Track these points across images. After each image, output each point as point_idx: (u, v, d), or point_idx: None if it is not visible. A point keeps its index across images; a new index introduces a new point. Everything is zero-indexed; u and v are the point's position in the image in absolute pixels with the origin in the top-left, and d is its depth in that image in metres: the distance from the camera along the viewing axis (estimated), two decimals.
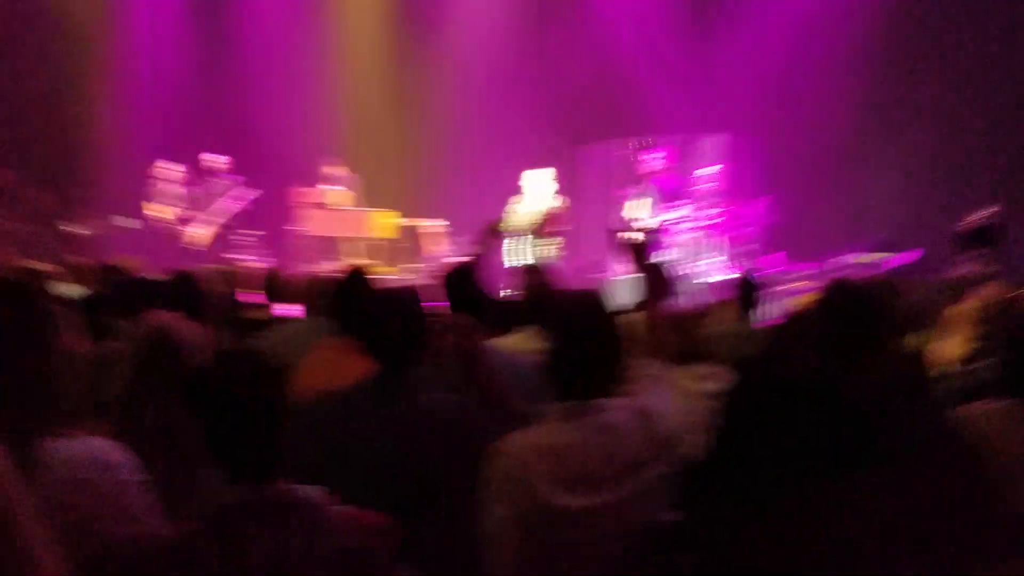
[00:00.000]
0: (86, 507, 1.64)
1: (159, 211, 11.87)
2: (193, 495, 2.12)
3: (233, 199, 11.67)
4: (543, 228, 9.69)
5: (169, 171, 11.90)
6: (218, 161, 11.62)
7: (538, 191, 9.82)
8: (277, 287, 5.00)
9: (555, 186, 9.85)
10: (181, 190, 11.84)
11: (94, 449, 1.69)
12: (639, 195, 10.19)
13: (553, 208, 9.75)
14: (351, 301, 3.17)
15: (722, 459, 1.81)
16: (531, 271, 4.87)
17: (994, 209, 8.85)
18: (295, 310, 4.88)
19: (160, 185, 11.89)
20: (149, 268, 7.20)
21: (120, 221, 13.80)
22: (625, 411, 2.29)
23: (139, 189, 13.38)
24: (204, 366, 1.84)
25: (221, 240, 11.71)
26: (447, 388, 2.54)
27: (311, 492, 1.72)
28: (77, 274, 6.71)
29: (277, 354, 3.60)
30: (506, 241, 9.84)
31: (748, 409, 1.79)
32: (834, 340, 2.30)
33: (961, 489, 2.21)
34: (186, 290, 3.27)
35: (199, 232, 11.55)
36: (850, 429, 1.74)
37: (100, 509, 1.66)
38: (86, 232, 13.50)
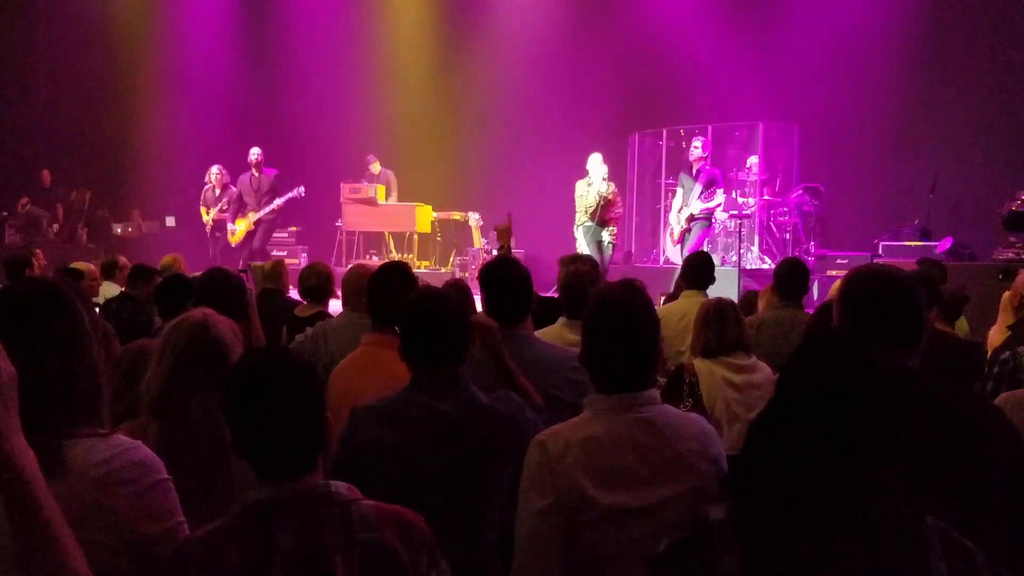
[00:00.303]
0: (118, 507, 1.66)
1: (211, 213, 11.95)
2: (233, 489, 2.14)
3: (279, 196, 11.66)
4: (604, 213, 9.55)
5: (221, 175, 11.98)
6: (257, 156, 11.63)
7: (598, 174, 9.63)
8: (319, 283, 4.99)
9: (606, 170, 9.68)
10: (232, 191, 11.91)
11: (125, 449, 1.70)
12: (686, 183, 10.13)
13: (609, 193, 9.60)
14: (389, 297, 3.18)
15: (766, 452, 1.78)
16: (571, 261, 4.86)
17: None
18: (337, 306, 4.92)
19: (213, 187, 11.98)
20: (193, 267, 7.31)
21: (167, 221, 14.07)
22: (668, 410, 2.26)
23: (184, 190, 13.62)
24: (236, 363, 1.84)
25: (265, 236, 11.77)
26: (478, 386, 2.54)
27: (341, 488, 1.71)
28: (116, 273, 6.81)
29: (317, 351, 3.69)
30: (579, 230, 9.73)
31: (793, 400, 1.76)
32: (855, 327, 2.24)
33: (1008, 475, 2.18)
34: (222, 286, 3.28)
35: (241, 229, 11.60)
36: (897, 417, 1.71)
37: (132, 509, 1.67)
38: (129, 231, 13.76)
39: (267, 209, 11.56)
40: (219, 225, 11.91)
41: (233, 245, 11.58)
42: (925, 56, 11.37)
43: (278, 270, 5.82)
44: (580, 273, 4.11)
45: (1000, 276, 7.52)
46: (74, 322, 1.73)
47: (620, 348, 2.21)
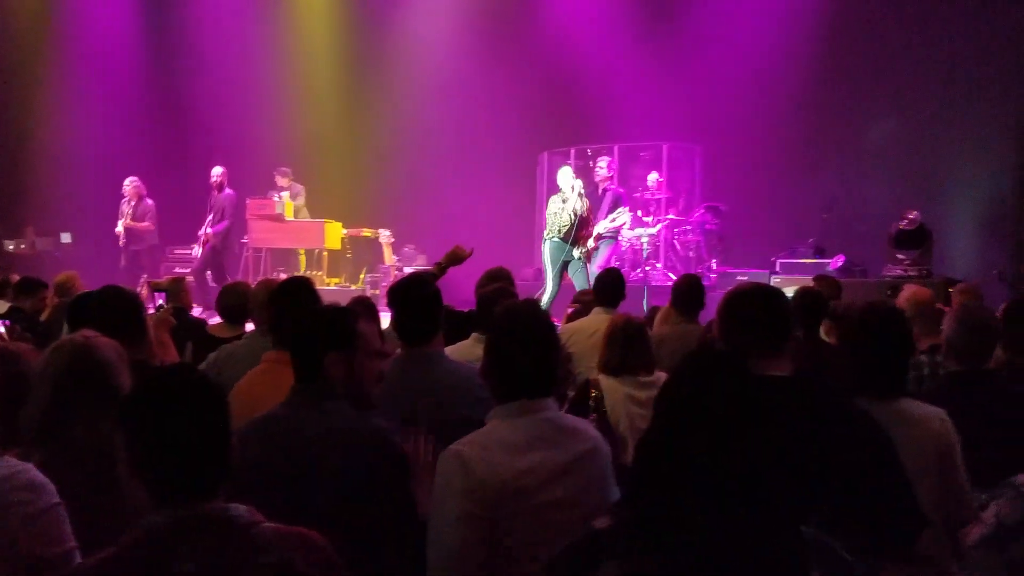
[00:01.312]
0: (10, 528, 1.62)
1: (125, 225, 11.77)
2: (120, 515, 2.09)
3: (227, 218, 11.57)
4: (577, 232, 9.13)
5: (132, 186, 11.77)
6: (218, 176, 11.53)
7: (572, 190, 9.20)
8: (239, 303, 4.83)
9: (580, 184, 9.25)
10: (147, 203, 11.79)
11: (16, 471, 1.66)
12: (593, 202, 10.22)
13: (584, 210, 9.21)
14: (289, 314, 3.16)
15: (650, 464, 1.84)
16: (490, 278, 4.90)
17: (915, 213, 9.23)
18: (243, 323, 4.86)
19: (128, 199, 11.79)
20: (90, 284, 7.10)
21: (62, 238, 13.65)
22: (564, 415, 2.41)
23: (80, 205, 13.26)
24: (137, 382, 1.81)
25: (208, 258, 11.55)
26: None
27: (241, 511, 1.70)
28: (7, 292, 6.60)
29: (220, 370, 3.64)
30: (546, 244, 9.31)
31: (675, 410, 1.82)
32: (729, 337, 2.43)
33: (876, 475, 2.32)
34: (113, 305, 3.20)
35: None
36: (770, 425, 1.79)
37: (25, 531, 1.63)
38: (22, 248, 13.31)
39: (208, 230, 11.50)
40: (133, 237, 11.75)
41: (140, 260, 11.65)
42: (822, 81, 11.78)
43: (178, 287, 5.70)
44: (494, 292, 4.16)
45: (888, 292, 7.87)
46: None
47: (522, 357, 2.32)
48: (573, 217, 9.03)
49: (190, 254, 13.03)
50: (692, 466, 1.69)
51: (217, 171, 11.50)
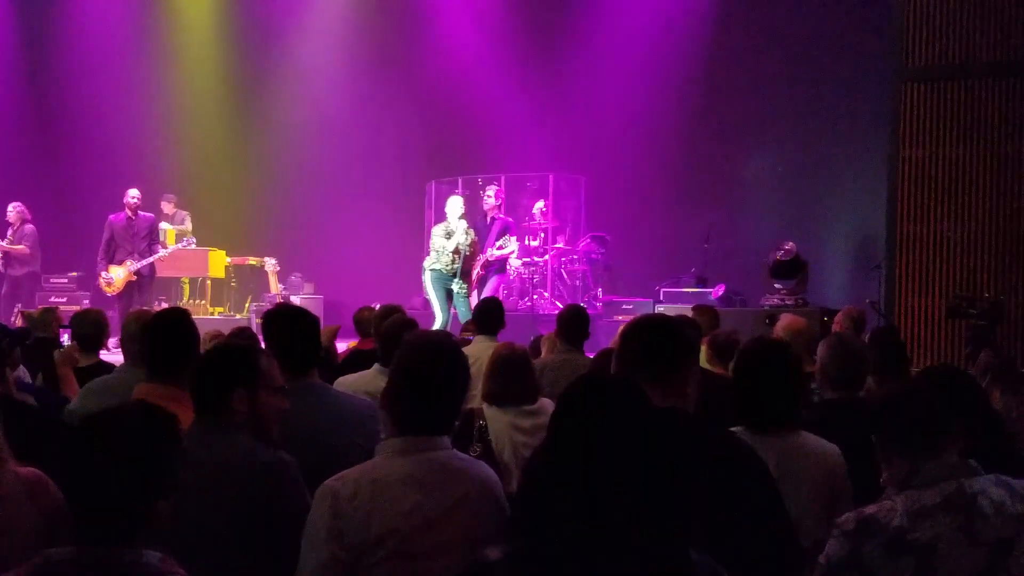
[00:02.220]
0: None
1: (2, 248, 11.32)
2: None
3: (159, 243, 10.97)
4: (463, 265, 9.18)
5: (18, 212, 11.34)
6: (135, 199, 10.69)
7: (459, 223, 9.24)
8: (93, 331, 4.74)
9: (465, 224, 9.32)
10: (26, 228, 11.35)
11: None
12: (480, 231, 10.30)
13: (468, 244, 9.24)
14: (167, 346, 3.08)
15: (538, 491, 1.85)
16: (387, 313, 4.88)
17: (791, 244, 9.59)
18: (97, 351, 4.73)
19: (11, 225, 11.34)
20: None
21: None
22: (456, 455, 2.30)
23: None
24: (86, 417, 1.75)
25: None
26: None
27: (152, 558, 1.65)
28: None
29: (93, 402, 3.51)
30: (428, 273, 9.29)
31: (560, 438, 1.83)
32: (632, 367, 2.42)
33: (757, 504, 2.37)
34: None
35: (120, 277, 10.62)
36: (661, 453, 1.81)
37: None
38: None
39: (149, 259, 10.63)
40: (9, 261, 11.36)
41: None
42: (701, 113, 12.13)
43: (48, 318, 5.49)
44: (397, 323, 4.15)
45: (767, 320, 8.15)
46: None
47: (418, 390, 2.24)
48: (457, 254, 9.07)
49: (66, 283, 12.55)
50: (578, 495, 1.69)
51: (134, 194, 10.64)
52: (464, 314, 8.65)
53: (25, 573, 1.60)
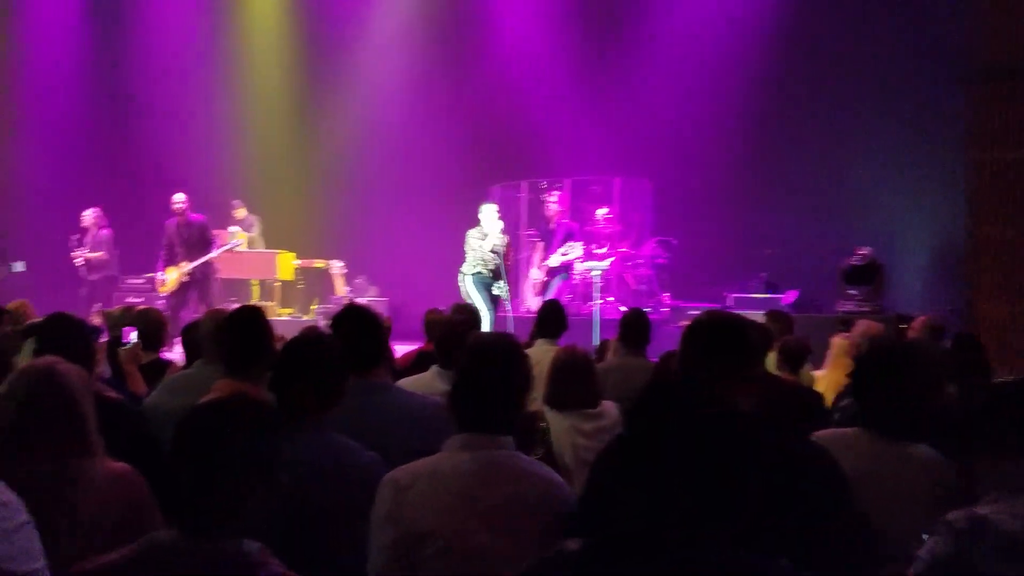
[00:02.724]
0: None
1: (85, 256, 11.67)
2: (75, 542, 2.06)
3: (212, 244, 11.13)
4: (497, 265, 9.37)
5: (91, 216, 11.68)
6: (181, 203, 10.96)
7: (494, 227, 9.42)
8: (150, 330, 4.79)
9: (495, 226, 9.47)
10: (103, 233, 11.70)
11: None
12: (545, 236, 10.34)
13: (503, 246, 9.44)
14: (243, 343, 3.14)
15: (612, 488, 1.84)
16: (454, 312, 4.93)
17: (867, 250, 9.37)
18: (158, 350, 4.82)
19: (87, 230, 11.69)
20: (44, 313, 6.97)
21: (13, 267, 13.40)
22: (518, 456, 2.31)
23: (33, 235, 13.07)
24: (190, 412, 1.80)
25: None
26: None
27: (252, 548, 1.69)
28: None
29: (171, 398, 3.60)
30: (468, 279, 9.43)
31: (638, 441, 1.82)
32: (698, 369, 2.38)
33: (834, 507, 2.33)
34: (64, 332, 3.17)
35: (173, 278, 10.94)
36: (734, 458, 1.80)
37: (1, 547, 1.62)
38: None
39: (200, 260, 10.93)
40: (93, 267, 11.69)
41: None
42: (774, 116, 11.94)
43: (127, 316, 5.63)
44: (456, 323, 4.17)
45: (841, 327, 7.98)
46: None
47: (480, 388, 2.27)
48: (494, 255, 9.24)
49: (142, 283, 12.88)
50: (643, 495, 1.69)
51: (180, 198, 10.96)
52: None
53: (131, 554, 1.64)
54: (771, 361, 4.77)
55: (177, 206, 10.92)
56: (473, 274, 9.34)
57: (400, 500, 2.16)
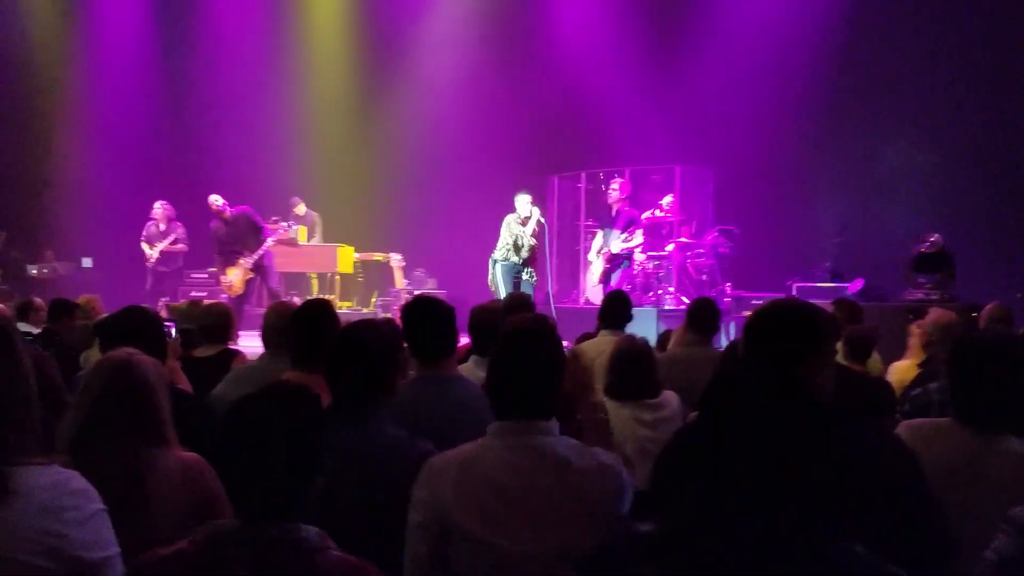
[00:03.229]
0: (63, 532, 1.66)
1: (156, 248, 11.84)
2: (146, 534, 2.10)
3: (263, 233, 10.95)
4: (531, 254, 9.71)
5: (164, 209, 11.85)
6: (216, 204, 10.85)
7: (530, 214, 9.73)
8: (217, 322, 4.87)
9: (538, 211, 9.79)
10: (179, 226, 11.89)
11: (65, 478, 1.71)
12: (604, 225, 10.31)
13: (532, 233, 9.72)
14: (311, 335, 3.17)
15: (685, 475, 1.82)
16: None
17: (936, 236, 9.14)
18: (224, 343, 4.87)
19: (156, 222, 11.87)
20: (111, 308, 7.14)
21: (82, 262, 13.76)
22: (565, 441, 2.26)
23: (99, 230, 13.39)
24: (243, 397, 1.82)
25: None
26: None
27: (312, 533, 1.71)
28: (31, 314, 6.65)
29: (237, 390, 3.65)
30: (499, 265, 9.77)
31: (709, 429, 1.79)
32: (758, 351, 2.32)
33: (909, 497, 2.27)
34: (139, 324, 3.23)
35: (239, 278, 10.92)
36: (809, 446, 1.76)
37: (76, 535, 1.67)
38: (44, 272, 13.41)
39: (260, 251, 10.79)
40: (165, 259, 11.83)
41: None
42: (837, 102, 11.76)
43: (194, 310, 5.74)
44: (488, 310, 4.15)
45: (911, 316, 7.80)
46: (9, 352, 1.72)
47: (516, 373, 2.23)
48: (530, 241, 9.61)
49: (206, 278, 13.11)
50: (710, 482, 1.67)
51: (215, 199, 10.82)
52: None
53: (194, 543, 1.67)
54: (838, 351, 4.70)
55: (214, 207, 10.82)
56: (502, 261, 9.69)
57: (432, 484, 2.16)
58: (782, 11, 12.06)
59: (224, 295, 10.77)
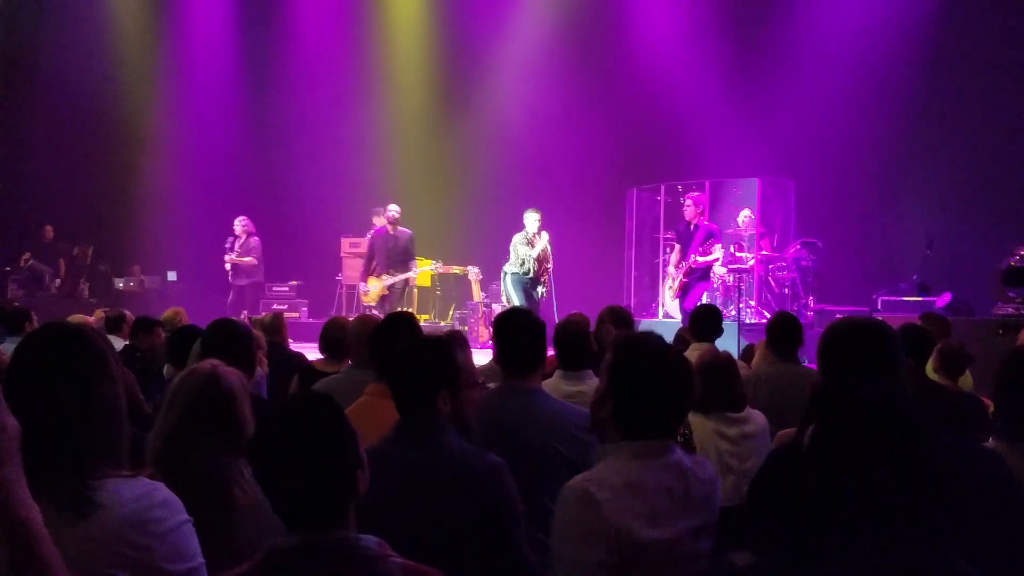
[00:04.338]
0: (147, 545, 1.67)
1: (231, 261, 12.17)
2: (232, 544, 2.11)
3: (411, 258, 11.43)
4: (539, 269, 10.17)
5: (243, 225, 12.19)
6: (395, 212, 11.34)
7: (535, 234, 10.26)
8: (343, 336, 4.89)
9: (539, 225, 10.34)
10: (253, 240, 12.22)
11: (151, 489, 1.73)
12: (682, 239, 10.23)
13: (541, 250, 10.21)
14: (389, 347, 3.18)
15: (786, 503, 1.77)
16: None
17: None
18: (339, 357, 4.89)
19: (236, 236, 12.20)
20: (195, 321, 7.29)
21: (168, 276, 14.15)
22: (683, 455, 2.30)
23: (184, 244, 13.75)
24: (270, 411, 1.83)
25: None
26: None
27: (371, 542, 1.70)
28: (122, 327, 6.82)
29: None
30: (509, 277, 10.30)
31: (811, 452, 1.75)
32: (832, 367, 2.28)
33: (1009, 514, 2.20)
34: (228, 336, 3.29)
35: (375, 290, 11.35)
36: (909, 463, 1.71)
37: (159, 548, 1.68)
38: (130, 286, 13.81)
39: (402, 277, 11.27)
40: (242, 273, 12.15)
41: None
42: (920, 113, 11.51)
43: (277, 323, 5.82)
44: (571, 323, 4.12)
45: (1000, 331, 7.54)
46: (98, 365, 1.75)
47: (654, 396, 2.22)
48: (538, 261, 10.16)
49: (287, 291, 13.36)
50: (816, 505, 1.62)
51: (394, 208, 11.35)
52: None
53: (254, 566, 1.67)
54: (929, 366, 4.56)
55: (391, 214, 11.22)
56: (512, 273, 10.24)
57: (602, 514, 2.10)
58: (866, 21, 11.84)
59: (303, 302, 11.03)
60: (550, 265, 10.43)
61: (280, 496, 1.70)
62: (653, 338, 2.43)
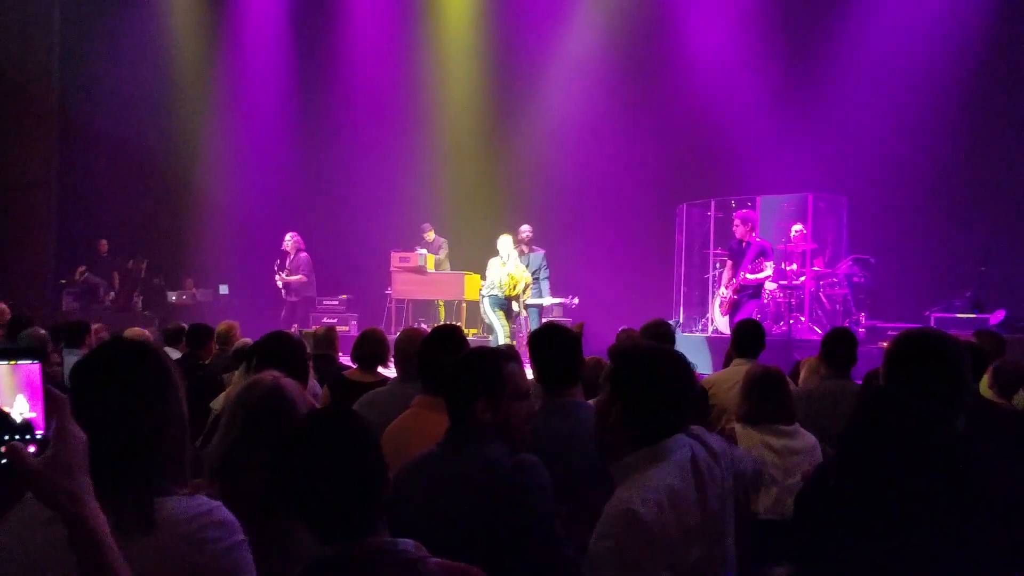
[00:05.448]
0: (204, 564, 1.67)
1: (283, 280, 12.38)
2: (289, 555, 2.14)
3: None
4: (515, 285, 10.50)
5: (293, 241, 12.39)
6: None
7: (511, 256, 10.58)
8: (374, 349, 4.95)
9: (514, 250, 10.68)
10: (302, 256, 12.40)
11: (210, 508, 1.73)
12: (733, 255, 10.16)
13: (519, 274, 10.54)
14: (441, 360, 3.22)
15: (830, 512, 1.77)
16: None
17: None
18: (388, 371, 4.94)
19: (287, 254, 12.40)
20: (247, 334, 7.40)
21: (220, 289, 14.37)
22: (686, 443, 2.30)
23: (236, 258, 13.97)
24: (296, 425, 1.86)
25: (314, 304, 11.86)
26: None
27: (408, 545, 1.73)
28: (181, 339, 6.94)
29: (364, 415, 3.72)
30: (486, 299, 10.64)
31: (854, 463, 1.74)
32: (894, 380, 2.25)
33: None
34: (283, 348, 3.35)
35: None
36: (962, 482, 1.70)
37: (216, 567, 1.69)
38: (183, 299, 14.06)
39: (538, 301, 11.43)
40: (288, 288, 12.38)
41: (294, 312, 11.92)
42: (974, 129, 11.34)
43: (330, 336, 5.90)
44: (623, 344, 4.14)
45: None
46: (162, 379, 1.76)
47: (655, 397, 2.25)
48: (510, 280, 10.44)
49: (336, 304, 13.51)
50: (857, 521, 1.61)
51: (526, 228, 11.59)
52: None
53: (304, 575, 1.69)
54: (983, 384, 4.49)
55: (524, 235, 11.42)
56: (489, 296, 10.60)
57: (655, 537, 2.08)
58: (920, 34, 11.71)
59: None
60: (530, 281, 10.77)
61: (312, 507, 1.73)
62: (649, 343, 2.46)
